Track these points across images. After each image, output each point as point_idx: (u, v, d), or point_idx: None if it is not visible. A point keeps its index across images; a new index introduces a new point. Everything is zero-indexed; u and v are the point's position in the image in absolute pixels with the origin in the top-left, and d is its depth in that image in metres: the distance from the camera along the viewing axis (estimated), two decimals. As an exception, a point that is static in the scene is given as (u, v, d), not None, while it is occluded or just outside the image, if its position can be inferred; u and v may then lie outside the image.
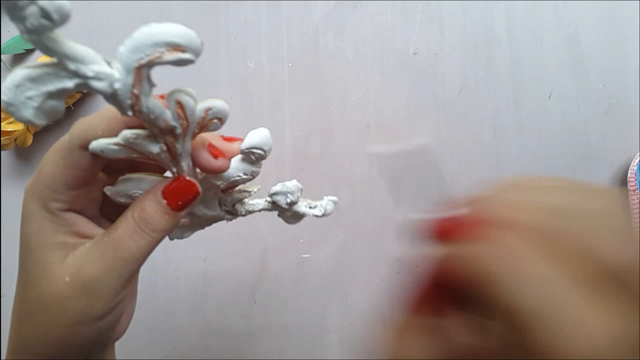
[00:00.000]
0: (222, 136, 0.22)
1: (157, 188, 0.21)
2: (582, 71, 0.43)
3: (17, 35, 0.45)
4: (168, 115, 0.19)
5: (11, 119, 0.40)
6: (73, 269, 0.20)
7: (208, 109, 0.20)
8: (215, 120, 0.20)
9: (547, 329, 0.11)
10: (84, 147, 0.20)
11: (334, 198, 0.26)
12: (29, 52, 0.46)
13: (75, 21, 0.46)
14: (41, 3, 0.14)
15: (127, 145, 0.20)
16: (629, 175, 0.40)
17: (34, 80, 0.16)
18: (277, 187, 0.25)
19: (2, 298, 0.44)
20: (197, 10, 0.45)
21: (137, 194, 0.22)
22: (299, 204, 0.25)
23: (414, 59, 0.44)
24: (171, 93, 0.19)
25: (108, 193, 0.22)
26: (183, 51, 0.17)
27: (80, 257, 0.20)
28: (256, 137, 0.22)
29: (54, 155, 0.21)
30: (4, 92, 0.16)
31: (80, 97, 0.45)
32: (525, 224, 0.13)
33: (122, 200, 0.22)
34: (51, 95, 0.17)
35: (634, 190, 0.40)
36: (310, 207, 0.26)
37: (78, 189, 0.21)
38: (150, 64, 0.17)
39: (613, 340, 0.11)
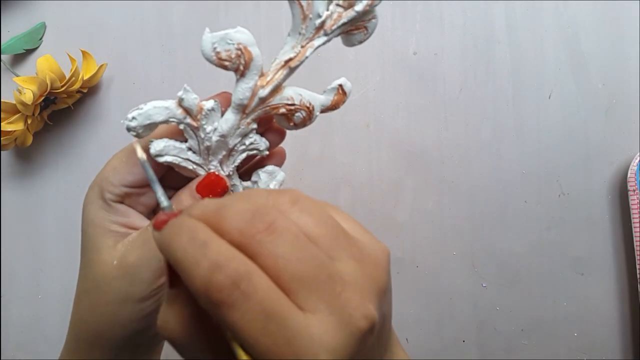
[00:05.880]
0: None
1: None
2: (582, 71, 0.43)
3: (17, 35, 0.45)
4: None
5: (11, 119, 0.40)
6: (120, 254, 0.23)
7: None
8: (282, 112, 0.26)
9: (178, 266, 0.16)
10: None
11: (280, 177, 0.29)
12: (29, 52, 0.46)
13: (76, 21, 0.46)
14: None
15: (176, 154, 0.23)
16: (629, 175, 0.40)
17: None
18: (269, 168, 0.27)
19: (2, 298, 0.43)
20: (197, 10, 0.45)
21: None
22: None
23: (414, 59, 0.44)
24: None
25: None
26: None
27: (127, 244, 0.23)
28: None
29: (122, 153, 0.24)
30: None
31: (80, 97, 0.45)
32: (194, 213, 0.17)
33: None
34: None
35: (634, 190, 0.40)
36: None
37: (132, 187, 0.24)
38: None
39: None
